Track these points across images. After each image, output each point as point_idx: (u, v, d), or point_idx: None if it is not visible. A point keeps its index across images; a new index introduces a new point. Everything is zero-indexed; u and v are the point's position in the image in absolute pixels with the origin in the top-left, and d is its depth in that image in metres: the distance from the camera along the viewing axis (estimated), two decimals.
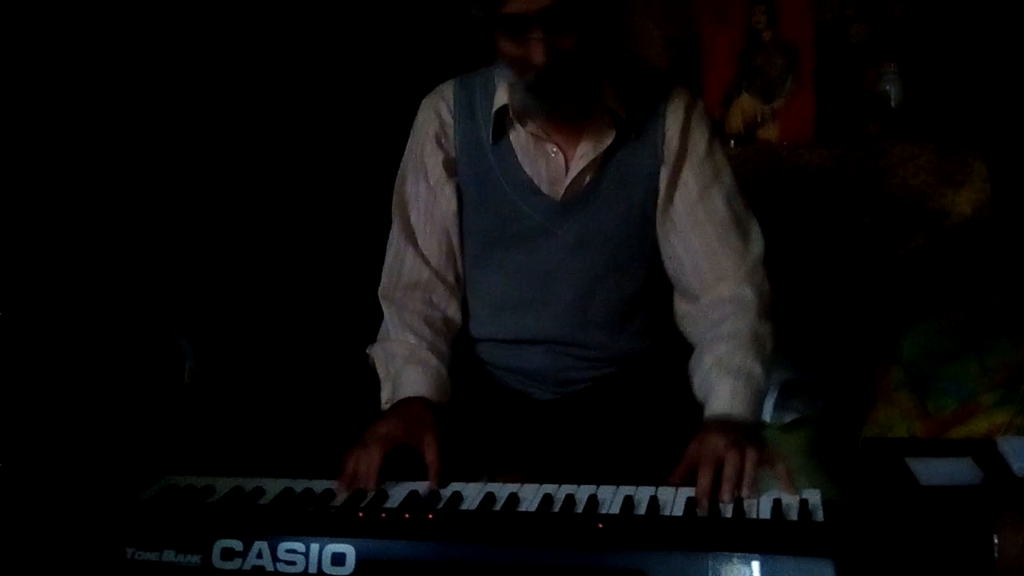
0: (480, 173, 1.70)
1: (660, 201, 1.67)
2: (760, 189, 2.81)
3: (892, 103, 2.87)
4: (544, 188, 1.68)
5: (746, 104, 2.99)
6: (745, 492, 1.29)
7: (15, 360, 1.91)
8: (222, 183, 2.57)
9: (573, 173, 1.65)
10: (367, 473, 1.40)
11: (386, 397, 1.63)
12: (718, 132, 2.96)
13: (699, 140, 1.68)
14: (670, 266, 1.71)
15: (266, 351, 2.48)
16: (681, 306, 1.71)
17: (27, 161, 2.08)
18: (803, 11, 2.94)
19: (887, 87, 2.88)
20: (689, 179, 1.67)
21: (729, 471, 1.30)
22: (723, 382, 1.49)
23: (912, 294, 2.42)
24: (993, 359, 2.06)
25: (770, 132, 2.96)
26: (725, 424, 1.42)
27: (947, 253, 2.53)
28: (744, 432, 1.40)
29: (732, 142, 2.98)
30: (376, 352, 1.70)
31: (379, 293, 1.75)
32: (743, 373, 1.50)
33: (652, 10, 3.14)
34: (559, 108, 1.58)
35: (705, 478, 1.30)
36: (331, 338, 1.89)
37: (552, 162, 1.66)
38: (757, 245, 1.68)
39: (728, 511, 1.25)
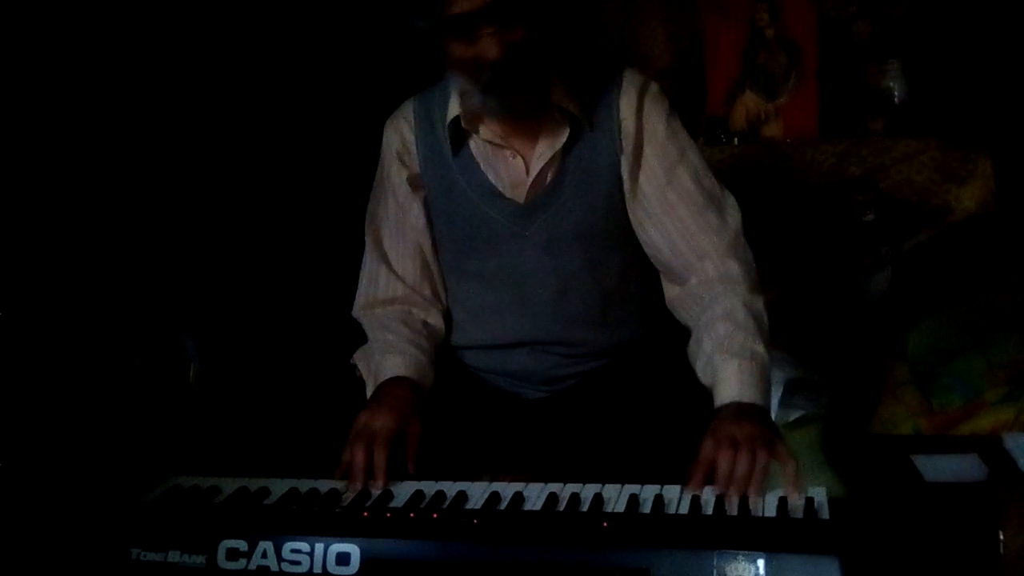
0: (445, 184, 1.70)
1: (627, 190, 1.66)
2: (764, 186, 2.81)
3: (895, 99, 2.87)
4: (507, 192, 1.67)
5: (749, 101, 2.98)
6: (752, 494, 1.28)
7: (22, 361, 1.92)
8: (227, 187, 2.57)
9: (533, 174, 1.65)
10: (375, 474, 1.41)
11: (370, 391, 1.63)
12: (721, 130, 3.00)
13: (656, 122, 1.66)
14: (650, 252, 1.69)
15: (270, 352, 2.48)
16: (670, 290, 1.69)
17: (35, 163, 2.09)
18: (806, 8, 2.94)
19: (890, 84, 2.87)
20: (653, 163, 1.65)
21: (738, 470, 1.29)
22: (728, 366, 1.47)
23: (917, 291, 2.42)
24: (998, 356, 2.06)
25: (774, 129, 2.96)
26: (737, 412, 1.40)
27: (952, 250, 2.53)
28: (757, 418, 1.39)
29: (736, 139, 2.98)
30: (357, 357, 1.72)
31: (353, 313, 1.77)
32: (747, 354, 1.48)
33: (655, 8, 3.15)
34: (516, 105, 1.56)
35: (724, 468, 1.29)
36: (335, 339, 1.88)
37: (512, 166, 1.66)
38: (734, 218, 1.66)
39: (733, 509, 1.25)
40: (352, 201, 1.91)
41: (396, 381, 1.58)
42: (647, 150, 1.65)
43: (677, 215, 1.64)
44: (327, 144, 2.84)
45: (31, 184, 2.08)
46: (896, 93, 2.87)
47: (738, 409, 1.41)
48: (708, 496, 1.29)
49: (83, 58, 2.21)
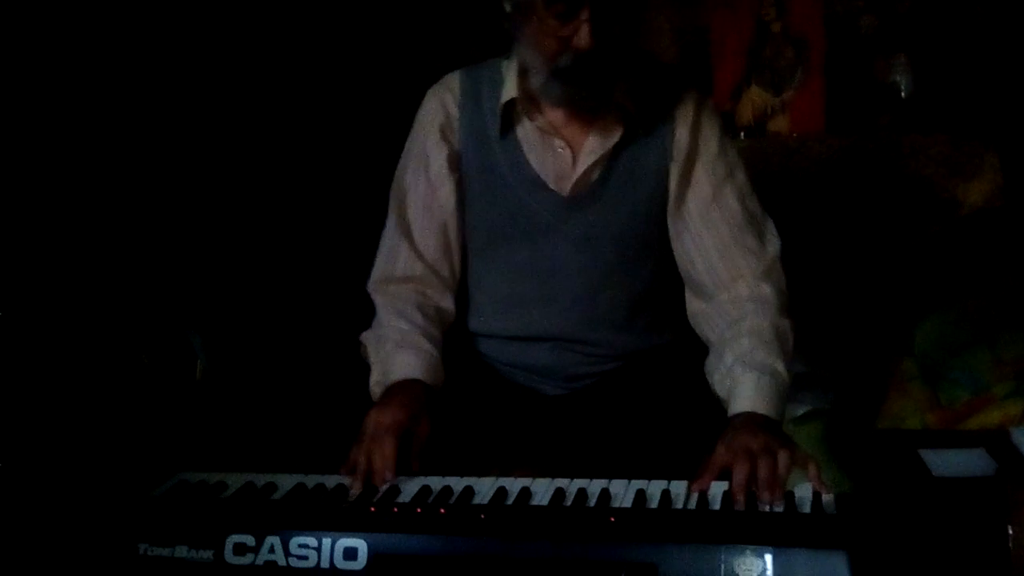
0: (485, 167, 1.68)
1: (671, 200, 1.66)
2: (770, 181, 2.80)
3: (902, 94, 2.86)
4: (551, 184, 1.66)
5: (756, 96, 2.98)
6: (777, 496, 1.27)
7: (29, 359, 1.92)
8: (231, 183, 2.57)
9: (580, 169, 1.64)
10: (382, 466, 1.40)
11: (375, 379, 1.61)
12: (727, 125, 2.99)
13: (710, 138, 1.66)
14: (683, 265, 1.69)
15: (277, 348, 2.48)
16: (694, 304, 1.69)
17: (41, 161, 2.09)
18: (812, 2, 2.93)
19: (897, 78, 2.86)
20: (702, 178, 1.65)
21: (764, 473, 1.27)
22: (747, 379, 1.46)
23: (924, 285, 2.41)
24: (1006, 350, 2.06)
25: (780, 124, 2.96)
26: (751, 422, 1.40)
27: (959, 244, 2.52)
28: (771, 429, 1.39)
29: (742, 134, 2.97)
30: (367, 338, 1.68)
31: (368, 286, 1.73)
32: (767, 370, 1.47)
33: (661, 3, 3.14)
34: (579, 97, 1.56)
35: (741, 473, 1.28)
36: (341, 335, 1.88)
37: (559, 157, 1.65)
38: (773, 244, 1.66)
39: (740, 504, 1.25)
40: (356, 196, 1.92)
41: (408, 382, 1.55)
42: (698, 164, 1.65)
43: (718, 233, 1.63)
44: (332, 141, 2.84)
45: (38, 182, 2.08)
46: (903, 87, 2.87)
47: (752, 420, 1.41)
48: (715, 491, 1.29)
49: (86, 55, 2.21)
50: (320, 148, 2.82)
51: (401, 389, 1.53)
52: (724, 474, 1.32)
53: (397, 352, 1.60)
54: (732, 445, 1.34)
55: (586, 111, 1.61)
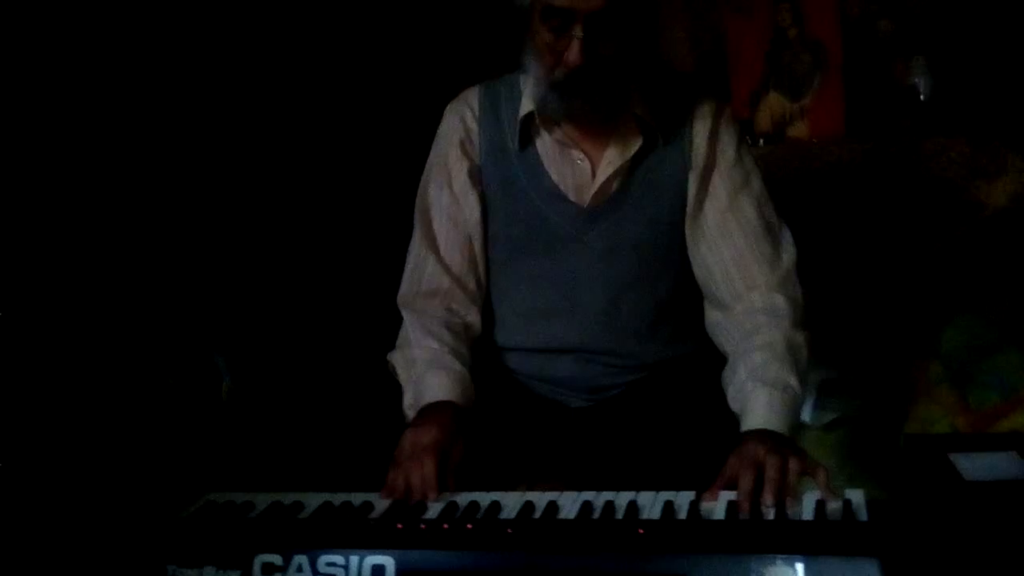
0: (505, 180, 1.69)
1: (689, 208, 1.66)
2: (791, 187, 2.79)
3: (922, 97, 2.84)
4: (571, 195, 1.67)
5: (774, 102, 2.97)
6: (787, 496, 1.26)
7: (57, 383, 1.93)
8: (257, 202, 2.59)
9: (600, 180, 1.64)
10: (423, 485, 1.39)
11: (408, 401, 1.61)
12: (746, 132, 2.98)
13: (728, 146, 1.67)
14: (700, 274, 1.69)
15: (301, 367, 2.49)
16: (712, 315, 1.69)
17: (65, 179, 2.10)
18: (829, 7, 2.92)
19: (916, 81, 2.85)
20: (718, 186, 1.66)
21: (771, 472, 1.28)
22: (759, 395, 1.46)
23: (951, 288, 2.39)
24: None
25: (799, 130, 2.94)
26: (762, 436, 1.39)
27: (984, 245, 2.50)
28: (783, 442, 1.38)
29: (761, 141, 2.96)
30: (396, 358, 1.68)
31: (398, 300, 1.74)
32: (779, 385, 1.47)
33: (677, 11, 3.14)
34: (579, 111, 1.57)
35: (746, 480, 1.28)
36: (365, 353, 1.89)
37: (578, 169, 1.66)
38: (789, 253, 1.66)
39: (771, 513, 1.24)
40: (380, 212, 1.92)
41: (441, 403, 1.55)
42: (715, 172, 1.66)
43: (733, 241, 1.63)
44: (356, 159, 2.85)
45: (64, 202, 2.10)
46: (922, 90, 2.85)
47: (763, 435, 1.40)
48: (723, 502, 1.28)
49: (119, 65, 2.23)
50: (345, 166, 2.83)
51: (435, 410, 1.53)
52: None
53: (428, 374, 1.60)
54: (741, 455, 1.34)
55: (597, 123, 1.62)
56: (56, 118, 2.09)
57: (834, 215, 2.71)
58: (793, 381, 1.49)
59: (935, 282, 2.46)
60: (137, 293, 2.22)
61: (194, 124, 2.44)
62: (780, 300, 1.59)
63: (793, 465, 1.30)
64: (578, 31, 1.45)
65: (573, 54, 1.47)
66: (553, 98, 1.56)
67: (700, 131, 1.65)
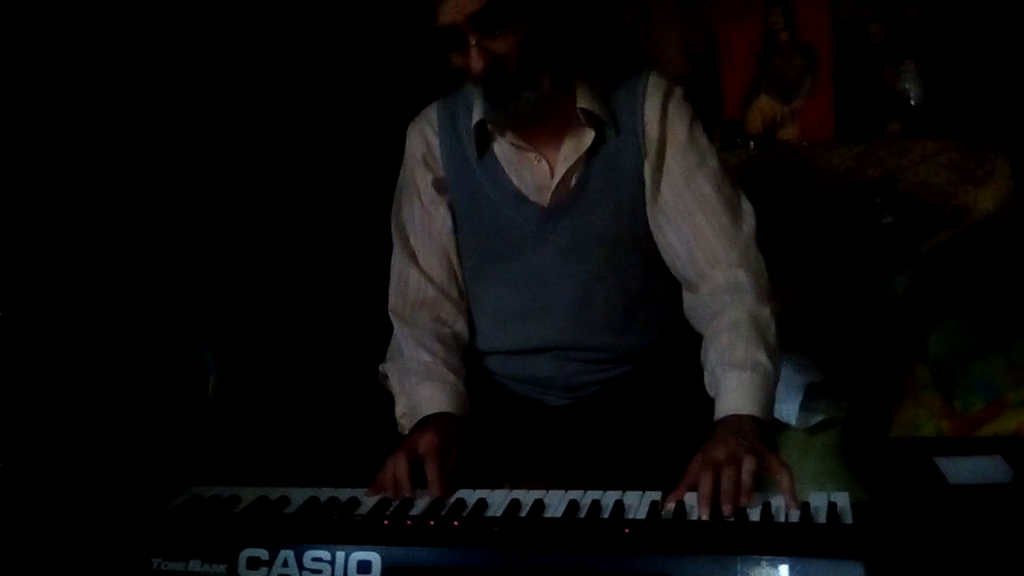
0: (469, 188, 1.71)
1: (648, 193, 1.66)
2: (781, 190, 2.80)
3: (912, 101, 2.86)
4: (532, 196, 1.68)
5: (765, 105, 2.98)
6: (743, 501, 1.26)
7: (42, 375, 1.93)
8: (244, 199, 2.58)
9: (558, 178, 1.65)
10: (431, 485, 1.41)
11: (401, 411, 1.64)
12: (736, 134, 2.99)
13: (679, 127, 1.66)
14: (668, 259, 1.69)
15: (289, 363, 2.48)
16: (686, 298, 1.69)
17: (55, 175, 2.10)
18: (820, 11, 2.93)
19: (906, 85, 2.86)
20: (673, 167, 1.65)
21: (725, 484, 1.27)
22: (729, 378, 1.46)
23: (937, 292, 2.40)
24: (1020, 355, 2.04)
25: (790, 133, 2.96)
26: (735, 426, 1.40)
27: (971, 250, 2.51)
28: (752, 433, 1.38)
29: (752, 143, 2.97)
30: (390, 369, 1.71)
31: (390, 310, 1.76)
32: (748, 365, 1.47)
33: (669, 14, 3.14)
34: (514, 113, 1.57)
35: (705, 486, 1.28)
36: (353, 349, 1.89)
37: (537, 170, 1.67)
38: (748, 224, 1.65)
39: (756, 514, 1.24)
40: (370, 211, 1.92)
41: (441, 415, 1.57)
42: (668, 153, 1.66)
43: (693, 220, 1.64)
44: (346, 155, 2.85)
45: (53, 198, 2.09)
46: (912, 94, 2.86)
47: (735, 422, 1.41)
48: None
49: (116, 64, 2.22)
50: (333, 164, 2.83)
51: (432, 421, 1.55)
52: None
53: (423, 386, 1.62)
54: (704, 455, 1.34)
55: (545, 123, 1.63)
56: (53, 118, 2.09)
57: (823, 218, 2.72)
58: (762, 357, 1.48)
59: (922, 286, 2.47)
60: (125, 288, 2.21)
61: (186, 123, 2.43)
62: (742, 275, 1.59)
63: (748, 465, 1.29)
64: (471, 39, 1.46)
65: (474, 62, 1.48)
66: (488, 108, 1.58)
67: (651, 116, 1.65)
